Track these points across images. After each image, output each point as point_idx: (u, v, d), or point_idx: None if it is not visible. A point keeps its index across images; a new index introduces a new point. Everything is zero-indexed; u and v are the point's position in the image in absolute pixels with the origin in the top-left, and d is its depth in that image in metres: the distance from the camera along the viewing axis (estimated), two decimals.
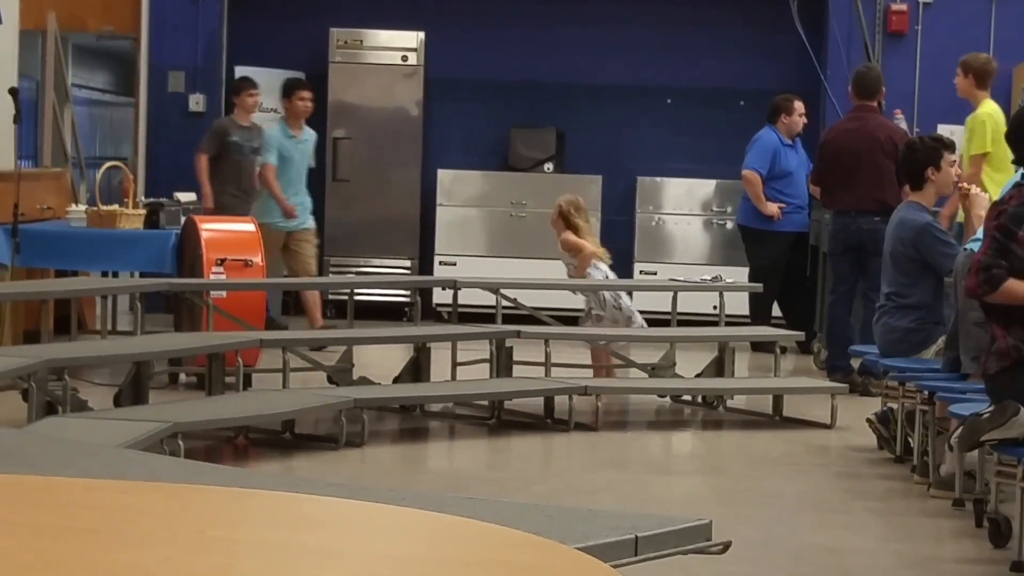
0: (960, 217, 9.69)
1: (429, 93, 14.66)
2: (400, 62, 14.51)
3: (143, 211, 10.70)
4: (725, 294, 10.85)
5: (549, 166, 14.42)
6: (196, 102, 14.28)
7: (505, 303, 10.60)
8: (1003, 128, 10.59)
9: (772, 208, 12.27)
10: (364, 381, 9.62)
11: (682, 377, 10.31)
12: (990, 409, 6.32)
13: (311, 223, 12.32)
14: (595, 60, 14.70)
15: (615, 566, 2.76)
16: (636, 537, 4.03)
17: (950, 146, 8.82)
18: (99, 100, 19.50)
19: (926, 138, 9.11)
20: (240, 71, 14.44)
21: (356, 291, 11.25)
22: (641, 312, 13.86)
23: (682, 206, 14.39)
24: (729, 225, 13.99)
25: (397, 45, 14.52)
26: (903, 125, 11.47)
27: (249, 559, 2.28)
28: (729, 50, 14.58)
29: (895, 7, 13.87)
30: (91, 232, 10.53)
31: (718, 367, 10.19)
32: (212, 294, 9.65)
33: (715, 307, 10.91)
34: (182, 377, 10.09)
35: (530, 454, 8.78)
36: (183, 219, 10.59)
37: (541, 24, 14.79)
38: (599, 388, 9.36)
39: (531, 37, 14.72)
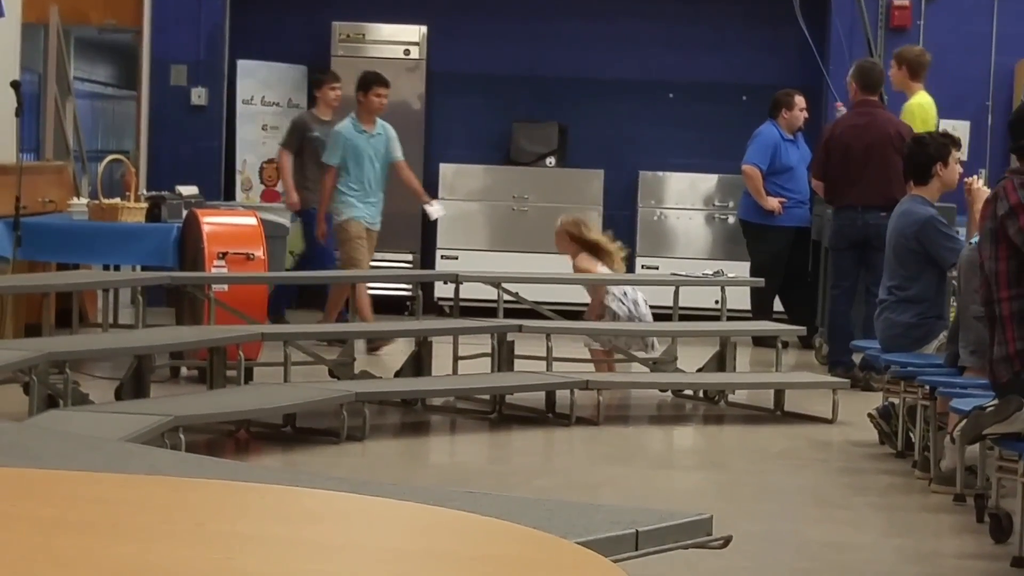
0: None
1: (431, 87, 14.66)
2: (402, 56, 14.50)
3: (145, 204, 10.69)
4: (727, 289, 10.84)
5: (551, 160, 14.42)
6: (198, 95, 14.27)
7: (507, 297, 10.60)
8: (932, 118, 10.77)
9: (772, 203, 12.27)
10: (365, 375, 9.62)
11: (683, 372, 10.30)
12: (994, 403, 6.32)
13: (378, 225, 11.82)
14: (597, 54, 14.70)
15: (616, 560, 2.76)
16: (637, 532, 4.03)
17: (958, 143, 8.83)
18: (101, 93, 19.49)
19: (935, 133, 9.11)
20: (242, 65, 14.44)
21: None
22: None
23: (684, 201, 14.39)
24: (731, 220, 13.99)
25: (399, 39, 14.52)
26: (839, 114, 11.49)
27: (250, 553, 2.28)
28: (731, 45, 14.57)
29: (897, 2, 13.86)
30: (93, 225, 10.53)
31: (719, 362, 10.19)
32: (214, 288, 9.65)
33: (717, 302, 10.90)
34: (183, 371, 10.09)
35: (531, 448, 8.78)
36: (185, 213, 10.59)
37: (543, 18, 14.78)
38: (600, 383, 9.36)
39: (533, 31, 14.72)
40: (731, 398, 10.02)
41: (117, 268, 11.74)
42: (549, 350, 9.79)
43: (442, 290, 13.43)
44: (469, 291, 10.85)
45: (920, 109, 10.98)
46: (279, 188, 13.24)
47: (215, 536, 2.37)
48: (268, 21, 14.81)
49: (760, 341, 12.25)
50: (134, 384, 8.40)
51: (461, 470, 8.24)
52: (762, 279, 11.53)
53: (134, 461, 4.98)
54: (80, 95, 15.85)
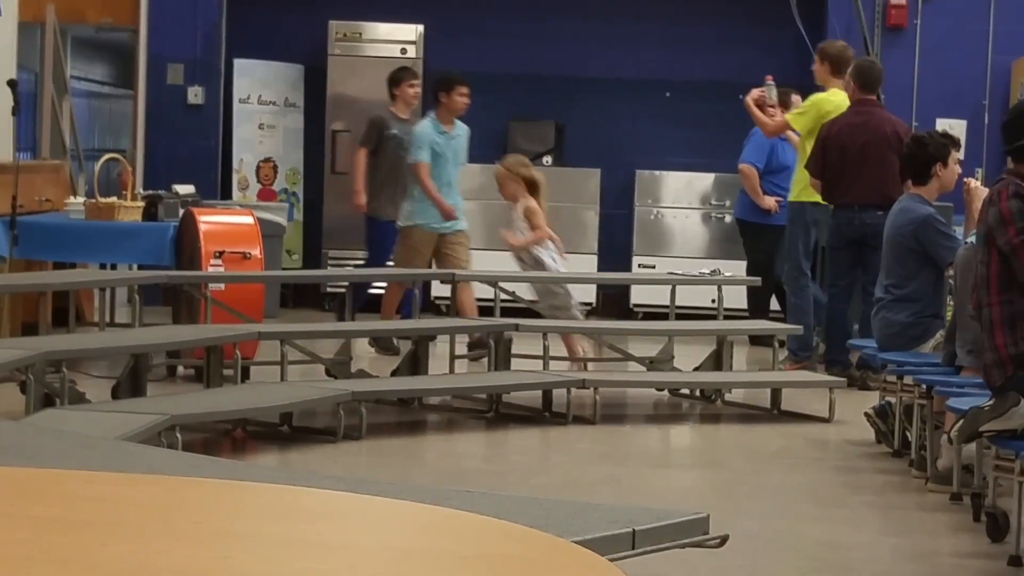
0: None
1: (428, 86, 14.64)
2: (399, 55, 14.50)
3: (141, 203, 10.69)
4: (723, 288, 10.85)
5: (548, 159, 14.41)
6: (195, 94, 14.27)
7: (503, 296, 10.60)
8: (826, 116, 10.85)
9: (769, 202, 12.27)
10: (362, 374, 9.62)
11: (680, 371, 10.31)
12: (991, 401, 6.33)
13: (464, 224, 11.54)
14: (594, 53, 14.70)
15: (613, 559, 2.76)
16: (634, 531, 4.03)
17: (957, 144, 8.82)
18: (98, 92, 19.49)
19: (935, 133, 9.10)
20: (239, 64, 14.45)
21: (354, 284, 11.23)
22: (640, 306, 13.90)
23: (681, 199, 14.39)
24: (728, 219, 13.99)
25: (396, 38, 14.51)
26: (772, 92, 11.50)
27: (247, 551, 2.28)
28: (728, 44, 14.57)
29: (894, 1, 13.87)
30: (89, 224, 10.52)
31: (716, 361, 10.19)
32: (210, 287, 9.65)
33: (713, 300, 10.91)
34: (180, 369, 10.09)
35: (528, 447, 8.79)
36: (181, 211, 10.59)
37: (540, 17, 14.79)
38: (597, 382, 9.36)
39: (530, 30, 14.72)
40: (728, 397, 10.02)
41: (114, 267, 11.74)
42: (546, 349, 9.79)
43: (439, 289, 13.43)
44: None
45: (816, 107, 11.02)
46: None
47: (212, 535, 2.37)
48: (265, 20, 14.81)
49: (757, 340, 12.25)
50: (131, 383, 8.40)
51: (458, 469, 8.24)
52: (759, 278, 11.53)
53: (131, 460, 4.98)
54: (77, 94, 15.86)
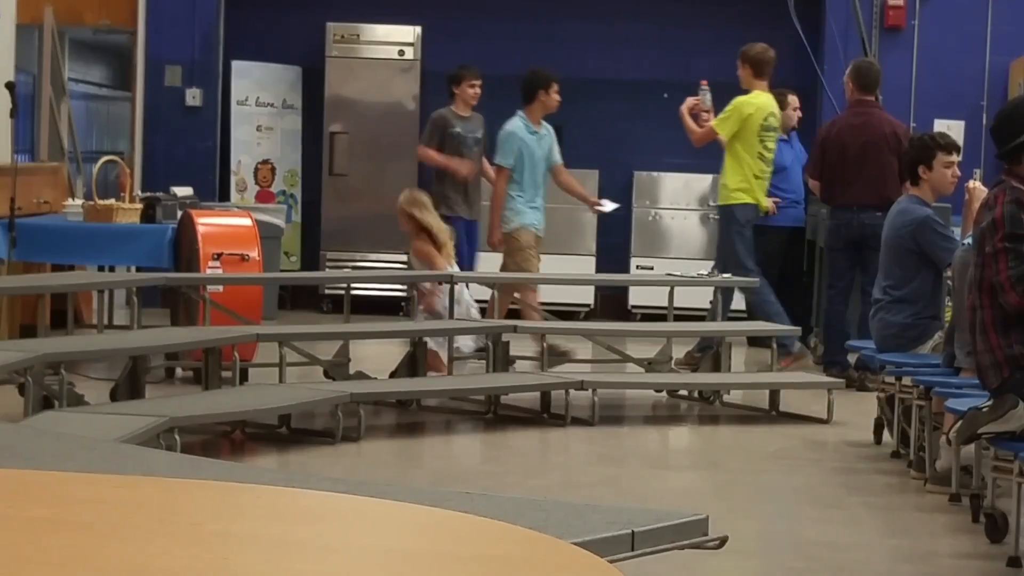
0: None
1: (426, 87, 14.65)
2: (397, 56, 14.50)
3: (140, 205, 10.68)
4: (722, 289, 10.84)
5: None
6: (193, 96, 14.27)
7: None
8: (754, 120, 11.05)
9: (767, 203, 12.26)
10: (361, 376, 9.62)
11: (678, 372, 10.30)
12: (989, 402, 6.33)
13: (543, 227, 11.24)
14: (592, 54, 14.70)
15: (612, 561, 2.76)
16: (633, 532, 4.03)
17: (947, 147, 8.74)
18: (96, 94, 19.49)
19: (925, 136, 9.08)
20: (236, 65, 14.45)
21: (353, 286, 11.24)
22: (638, 307, 13.89)
23: (679, 200, 14.39)
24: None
25: (394, 39, 14.52)
26: (707, 98, 11.53)
27: (245, 553, 2.28)
28: (726, 45, 14.53)
29: (892, 2, 13.86)
30: (88, 226, 10.52)
31: (714, 362, 10.19)
32: (209, 288, 9.65)
33: (711, 302, 10.90)
34: (178, 371, 10.09)
35: (527, 449, 8.78)
36: (180, 213, 10.58)
37: (538, 18, 14.79)
38: (596, 383, 9.35)
39: (528, 31, 14.71)
40: (726, 398, 10.02)
41: (112, 269, 11.73)
42: (544, 350, 9.79)
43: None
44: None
45: (737, 110, 11.12)
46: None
47: (210, 537, 2.37)
48: (262, 22, 14.81)
49: (755, 341, 12.24)
50: (129, 385, 8.40)
51: (457, 470, 8.24)
52: (757, 280, 11.52)
53: (129, 462, 4.98)
54: (75, 96, 15.85)
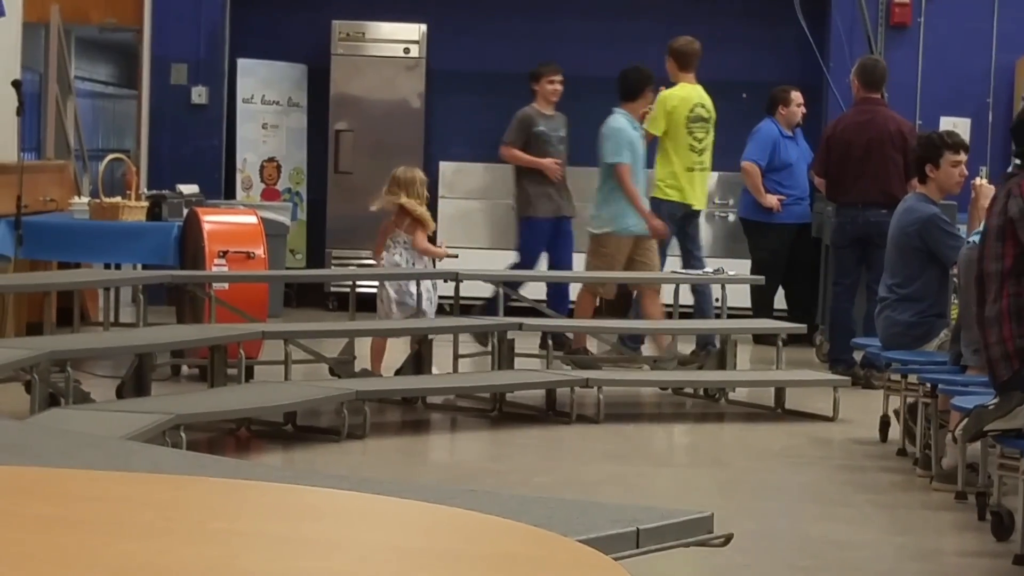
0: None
1: (431, 85, 14.66)
2: (402, 54, 14.51)
3: (145, 203, 10.69)
4: (727, 286, 10.85)
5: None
6: (198, 94, 14.28)
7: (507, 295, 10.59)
8: (679, 112, 11.20)
9: (771, 200, 12.26)
10: (366, 373, 9.63)
11: (684, 369, 10.30)
12: (995, 400, 6.32)
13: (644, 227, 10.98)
14: (597, 52, 14.68)
15: (617, 558, 2.76)
16: (638, 529, 4.03)
17: (954, 146, 8.73)
18: (102, 92, 19.50)
19: (933, 135, 9.07)
20: (242, 63, 14.45)
21: (358, 283, 11.23)
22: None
23: None
24: (731, 218, 13.98)
25: (399, 37, 14.52)
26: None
27: (250, 550, 2.28)
28: (731, 43, 14.56)
29: (898, 0, 13.85)
30: (94, 224, 10.53)
31: (720, 359, 10.19)
32: (214, 286, 9.65)
33: (717, 299, 10.91)
34: (184, 369, 10.09)
35: (531, 446, 8.78)
36: (185, 211, 10.59)
37: (543, 16, 14.78)
38: (601, 380, 9.36)
39: (533, 29, 14.71)
40: (732, 396, 10.02)
41: (118, 267, 11.74)
42: (549, 348, 9.79)
43: (442, 288, 13.39)
44: (469, 289, 10.85)
45: (662, 103, 11.25)
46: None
47: (216, 534, 2.37)
48: (268, 20, 14.81)
49: (760, 339, 12.24)
50: (135, 382, 8.40)
51: (462, 468, 8.24)
52: (762, 277, 11.52)
53: (135, 459, 4.98)
54: (81, 94, 15.87)
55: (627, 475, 7.91)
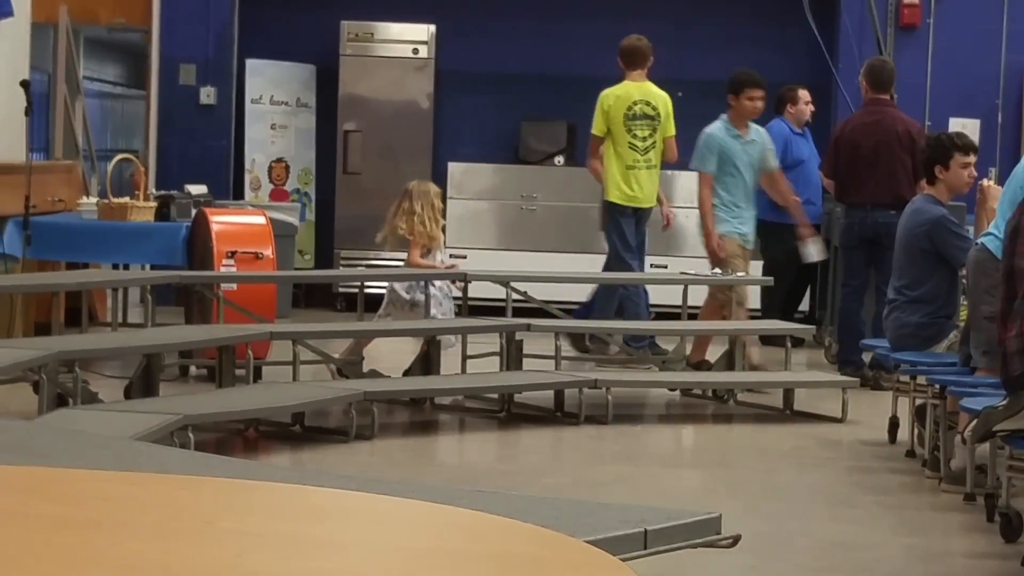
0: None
1: (440, 86, 14.66)
2: (411, 55, 14.51)
3: (154, 204, 10.70)
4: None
5: (560, 159, 14.40)
6: (207, 95, 14.29)
7: (515, 296, 10.60)
8: (615, 111, 11.24)
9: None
10: (374, 374, 9.63)
11: (692, 370, 10.29)
12: (1004, 401, 6.31)
13: (751, 243, 10.96)
14: (606, 53, 14.63)
15: (624, 559, 2.76)
16: (645, 530, 4.03)
17: (964, 148, 8.72)
18: (110, 93, 19.53)
19: (943, 136, 9.06)
20: (251, 64, 14.46)
21: (366, 284, 11.24)
22: (652, 306, 13.85)
23: (693, 199, 14.28)
24: None
25: (408, 38, 14.52)
26: None
27: (258, 550, 2.28)
28: (740, 43, 14.55)
29: (907, 0, 13.84)
30: (102, 225, 10.53)
31: (728, 360, 10.18)
32: (223, 287, 9.65)
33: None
34: (192, 369, 10.10)
35: (540, 447, 8.78)
36: (194, 212, 10.60)
37: (552, 17, 14.78)
38: (609, 381, 9.35)
39: (542, 30, 14.71)
40: (740, 397, 10.01)
41: (126, 267, 11.75)
42: (558, 349, 9.79)
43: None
44: (478, 290, 10.85)
45: (599, 103, 11.35)
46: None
47: (224, 534, 2.37)
48: (277, 20, 14.82)
49: (769, 340, 12.22)
50: (143, 383, 8.41)
51: (469, 469, 8.24)
52: (771, 278, 11.51)
53: (143, 460, 4.98)
54: (89, 94, 15.89)
55: (635, 476, 7.90)
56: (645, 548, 4.00)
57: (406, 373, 9.69)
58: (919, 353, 8.32)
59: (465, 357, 9.87)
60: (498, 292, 10.79)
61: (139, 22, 14.47)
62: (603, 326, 11.08)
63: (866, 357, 10.46)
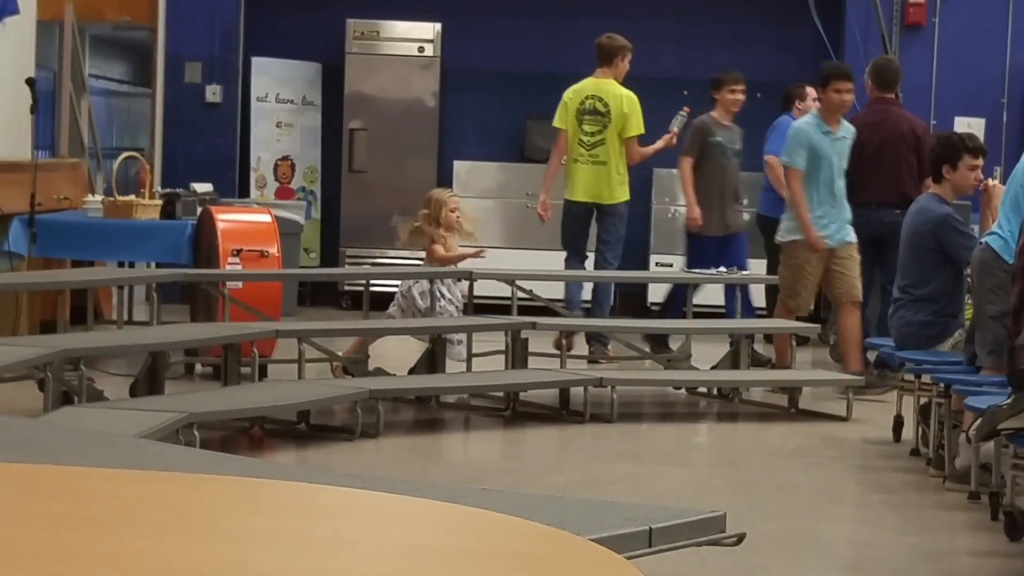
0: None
1: (445, 84, 14.66)
2: (416, 53, 14.51)
3: (159, 202, 10.71)
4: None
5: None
6: (213, 93, 14.29)
7: (520, 294, 10.60)
8: (570, 106, 11.41)
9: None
10: (379, 372, 9.63)
11: (697, 369, 10.30)
12: (1009, 399, 6.31)
13: (852, 236, 10.21)
14: None
15: (629, 557, 2.76)
16: (650, 529, 4.03)
17: (974, 150, 8.72)
18: (116, 90, 19.51)
19: (953, 136, 9.05)
20: (256, 62, 14.46)
21: (372, 282, 11.24)
22: (658, 304, 13.85)
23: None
24: (746, 217, 13.96)
25: (413, 36, 14.53)
26: (678, 121, 11.63)
27: (263, 549, 2.28)
28: (746, 42, 14.55)
29: (912, 0, 13.84)
30: (107, 222, 10.54)
31: (733, 359, 10.18)
32: (228, 285, 9.66)
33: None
34: (198, 367, 10.10)
35: (545, 446, 8.78)
36: (199, 210, 10.60)
37: (557, 15, 14.78)
38: (615, 380, 9.35)
39: (547, 28, 14.71)
40: (745, 395, 10.01)
41: (132, 265, 11.75)
42: (563, 347, 9.78)
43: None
44: (483, 288, 10.85)
45: (565, 92, 11.57)
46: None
47: (229, 532, 2.38)
48: (283, 18, 14.83)
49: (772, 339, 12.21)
50: (149, 381, 8.41)
51: (475, 467, 8.25)
52: (776, 276, 11.49)
53: (148, 457, 4.99)
54: (95, 92, 15.88)
55: (640, 474, 7.90)
56: (650, 546, 4.01)
57: (412, 371, 9.69)
58: (924, 352, 8.32)
59: (470, 355, 9.87)
60: (504, 290, 10.79)
61: (145, 20, 14.48)
62: (612, 325, 11.08)
63: (871, 356, 10.45)
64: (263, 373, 9.34)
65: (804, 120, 10.51)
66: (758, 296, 12.23)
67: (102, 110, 17.38)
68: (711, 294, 12.11)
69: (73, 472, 2.95)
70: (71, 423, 6.66)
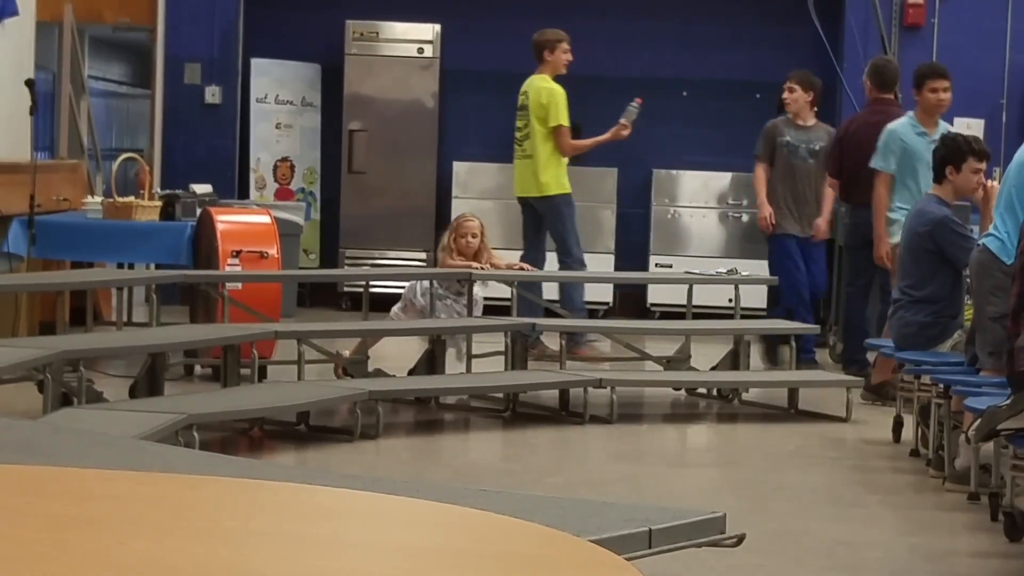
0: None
1: (445, 85, 14.66)
2: (416, 54, 14.51)
3: (159, 203, 10.70)
4: (740, 287, 10.83)
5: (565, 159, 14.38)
6: (212, 94, 14.30)
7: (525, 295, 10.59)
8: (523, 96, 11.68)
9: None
10: (379, 373, 9.63)
11: (697, 370, 10.30)
12: (1008, 400, 6.32)
13: None
14: (611, 52, 14.69)
15: (629, 558, 2.76)
16: (650, 530, 4.03)
17: (979, 154, 8.72)
18: (115, 92, 19.53)
19: (959, 137, 9.05)
20: (256, 63, 14.47)
21: (371, 283, 11.23)
22: (657, 305, 13.87)
23: (698, 199, 14.37)
24: (745, 218, 13.96)
25: (413, 37, 14.53)
26: (631, 112, 11.74)
27: (263, 550, 2.28)
28: (745, 42, 14.56)
29: (911, 0, 13.84)
30: (107, 224, 10.54)
31: (733, 360, 10.18)
32: (227, 286, 9.66)
33: (730, 300, 10.89)
34: (197, 369, 10.10)
35: (545, 447, 8.78)
36: (199, 211, 10.60)
37: (556, 16, 14.76)
38: (614, 381, 9.35)
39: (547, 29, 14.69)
40: (745, 396, 10.01)
41: (131, 266, 11.75)
42: (563, 348, 9.79)
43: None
44: (491, 290, 10.86)
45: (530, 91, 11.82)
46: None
47: (228, 533, 2.38)
48: (282, 19, 14.83)
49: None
50: (148, 382, 8.41)
51: (474, 468, 8.25)
52: (776, 277, 11.50)
53: (148, 459, 4.99)
54: (94, 93, 15.89)
55: (640, 475, 7.90)
56: (650, 547, 4.01)
57: (411, 372, 9.69)
58: (923, 352, 8.32)
59: (470, 356, 9.87)
60: (503, 291, 10.79)
61: (144, 21, 14.48)
62: (613, 325, 11.07)
63: (871, 357, 10.45)
64: (262, 374, 9.34)
65: (899, 122, 10.17)
66: (759, 296, 12.22)
67: (101, 111, 17.40)
68: (715, 294, 12.09)
69: (73, 473, 2.95)
70: (70, 424, 6.66)
